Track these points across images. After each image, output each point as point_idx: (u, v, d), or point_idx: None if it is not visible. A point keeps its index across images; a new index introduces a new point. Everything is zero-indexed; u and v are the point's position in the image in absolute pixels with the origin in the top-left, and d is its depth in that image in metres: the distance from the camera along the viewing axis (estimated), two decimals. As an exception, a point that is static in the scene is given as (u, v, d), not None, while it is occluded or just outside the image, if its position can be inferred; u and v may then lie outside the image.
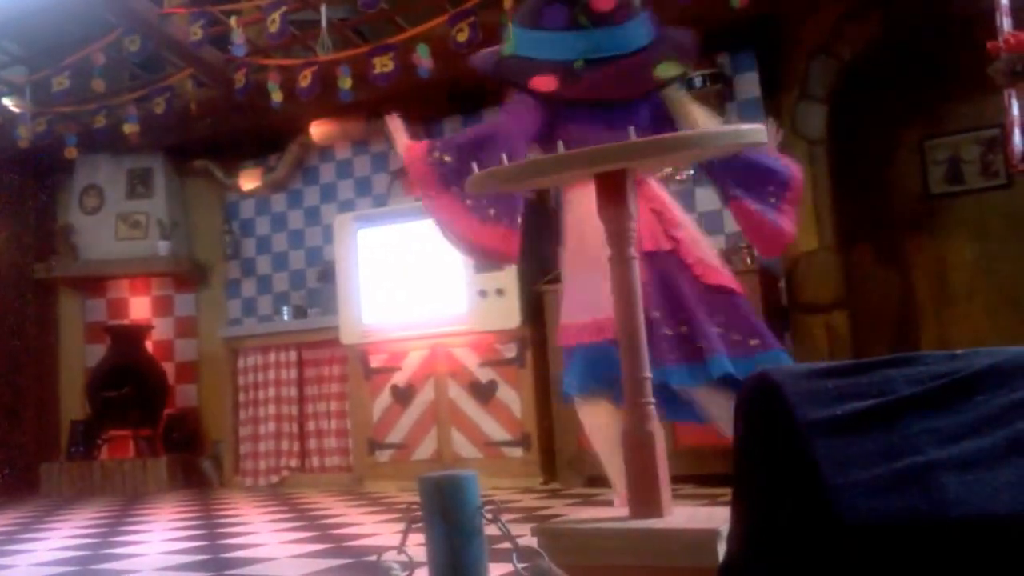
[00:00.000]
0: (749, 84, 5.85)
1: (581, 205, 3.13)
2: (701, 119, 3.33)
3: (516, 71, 3.31)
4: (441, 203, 2.98)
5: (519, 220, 3.07)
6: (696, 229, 3.32)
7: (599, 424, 3.28)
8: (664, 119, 3.35)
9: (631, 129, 2.21)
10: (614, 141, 2.72)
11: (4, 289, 7.49)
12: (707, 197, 5.90)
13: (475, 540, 1.40)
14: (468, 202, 2.95)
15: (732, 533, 1.59)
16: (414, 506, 1.47)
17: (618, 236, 2.20)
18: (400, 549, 1.45)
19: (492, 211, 2.97)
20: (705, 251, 3.24)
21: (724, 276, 3.19)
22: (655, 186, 3.32)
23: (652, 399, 2.26)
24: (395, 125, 3.22)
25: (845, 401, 1.42)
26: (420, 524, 1.45)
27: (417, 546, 1.47)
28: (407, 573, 1.46)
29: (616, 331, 2.26)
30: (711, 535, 2.01)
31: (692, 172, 5.87)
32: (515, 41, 3.34)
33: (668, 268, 3.15)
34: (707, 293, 3.15)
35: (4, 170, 7.60)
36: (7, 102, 6.77)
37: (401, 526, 3.78)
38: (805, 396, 1.42)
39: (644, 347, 2.23)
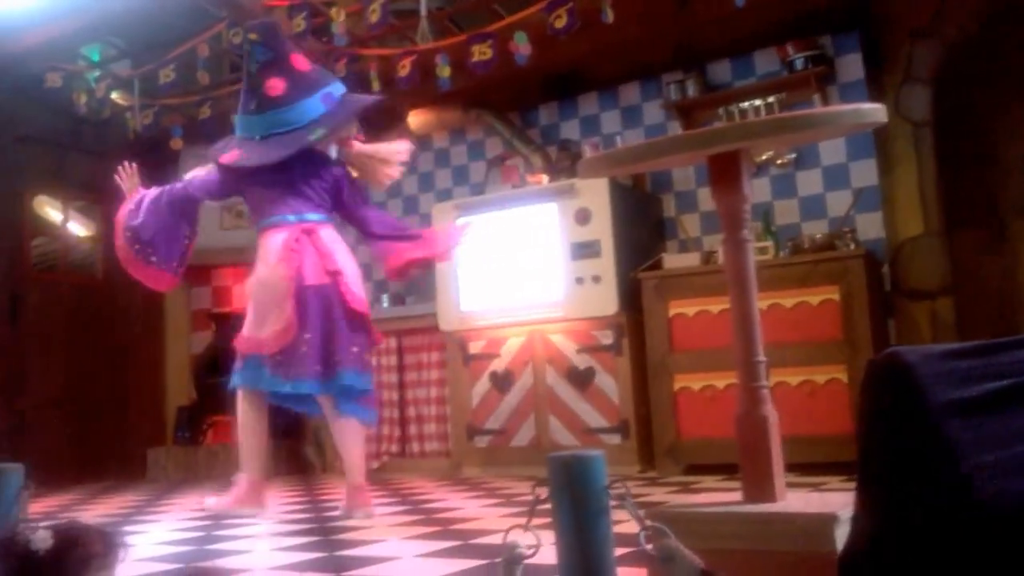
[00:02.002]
0: (852, 66, 5.73)
1: (269, 243, 4.23)
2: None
3: (215, 150, 4.44)
4: (120, 248, 4.40)
5: (175, 265, 4.50)
6: (354, 267, 4.35)
7: (246, 413, 4.28)
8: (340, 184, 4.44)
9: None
10: (307, 192, 4.31)
11: (115, 279, 7.73)
12: (807, 182, 5.82)
13: (602, 520, 1.41)
14: (136, 247, 4.37)
15: (857, 516, 1.57)
16: (539, 486, 1.48)
17: (732, 218, 2.18)
18: (526, 528, 1.46)
19: (154, 258, 4.40)
20: (358, 285, 4.30)
21: (364, 305, 4.29)
22: (324, 235, 4.30)
23: (765, 383, 2.25)
24: (129, 173, 4.51)
25: (978, 382, 1.39)
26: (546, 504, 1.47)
27: (539, 526, 1.48)
28: (532, 551, 1.48)
29: (734, 319, 2.23)
30: (829, 520, 1.99)
31: (794, 156, 5.80)
32: (235, 126, 4.48)
33: (327, 297, 4.18)
34: (352, 316, 4.21)
35: (113, 162, 7.81)
36: (116, 96, 6.96)
37: (503, 511, 3.83)
38: (937, 377, 1.40)
39: (757, 332, 2.21)
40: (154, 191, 4.47)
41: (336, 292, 4.19)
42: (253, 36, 4.35)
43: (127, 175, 4.52)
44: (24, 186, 7.41)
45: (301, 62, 4.40)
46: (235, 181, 4.40)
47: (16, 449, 6.21)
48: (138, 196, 4.44)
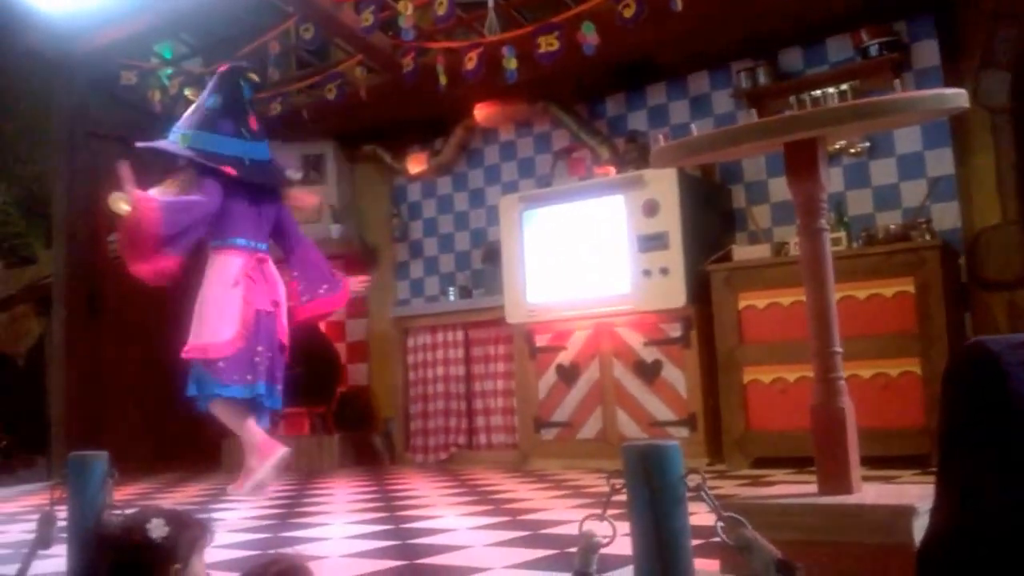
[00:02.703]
0: (928, 52, 5.61)
1: (228, 264, 4.95)
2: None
3: (208, 157, 4.99)
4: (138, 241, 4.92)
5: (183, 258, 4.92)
6: (285, 300, 5.20)
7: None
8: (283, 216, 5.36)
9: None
10: (260, 222, 5.13)
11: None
12: (881, 171, 5.73)
13: (678, 509, 1.40)
14: (165, 246, 4.82)
15: (937, 507, 1.54)
16: (614, 474, 1.48)
17: (808, 208, 2.15)
18: (602, 517, 1.46)
19: (171, 251, 4.85)
20: (286, 317, 5.17)
21: (286, 337, 5.13)
22: (271, 267, 5.14)
23: (841, 374, 2.22)
24: (126, 174, 4.89)
25: (1066, 372, 1.36)
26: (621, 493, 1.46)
27: (615, 515, 1.47)
28: (608, 540, 1.47)
29: (810, 310, 2.20)
30: (907, 512, 1.96)
31: (867, 145, 5.70)
32: (192, 138, 5.05)
33: (270, 323, 4.98)
34: (279, 344, 5.03)
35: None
36: (188, 93, 7.07)
37: (572, 502, 3.82)
38: (1022, 366, 1.37)
39: (834, 322, 2.18)
40: (183, 201, 4.99)
41: (275, 321, 5.01)
42: (253, 75, 5.35)
43: (126, 176, 4.89)
44: (99, 182, 7.55)
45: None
46: (224, 196, 5.02)
47: (96, 438, 6.34)
48: (173, 203, 4.96)
